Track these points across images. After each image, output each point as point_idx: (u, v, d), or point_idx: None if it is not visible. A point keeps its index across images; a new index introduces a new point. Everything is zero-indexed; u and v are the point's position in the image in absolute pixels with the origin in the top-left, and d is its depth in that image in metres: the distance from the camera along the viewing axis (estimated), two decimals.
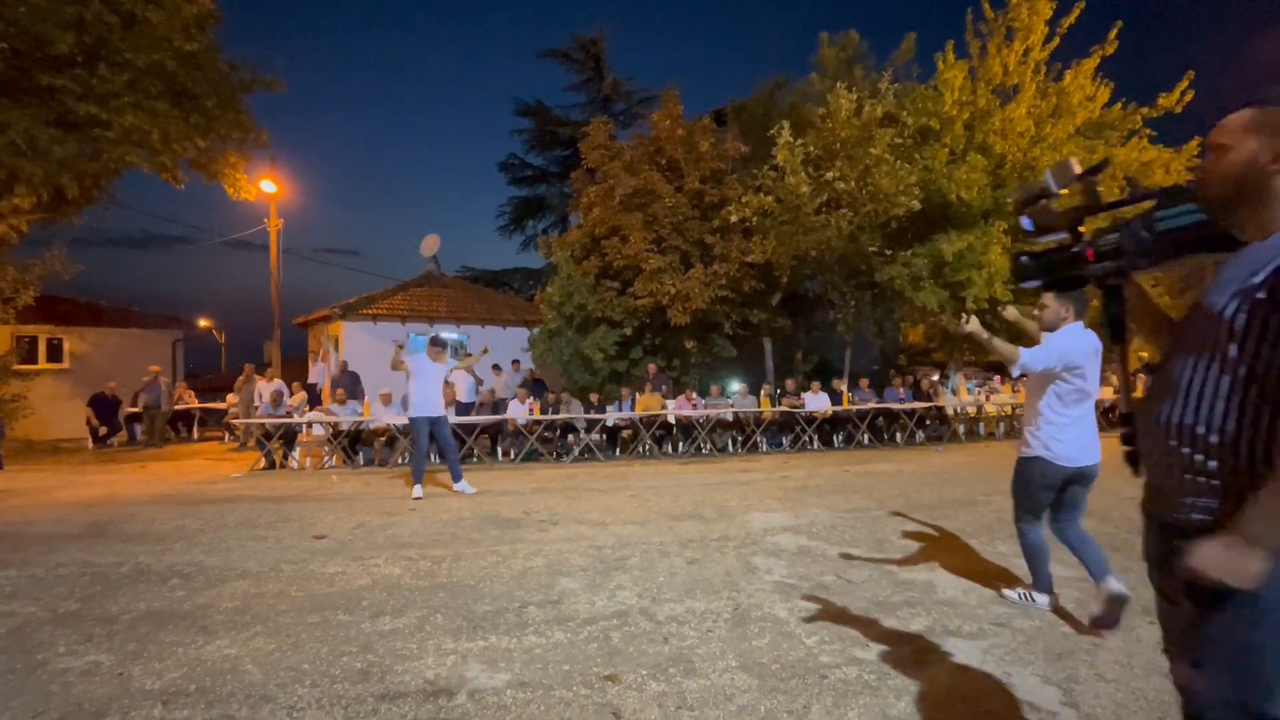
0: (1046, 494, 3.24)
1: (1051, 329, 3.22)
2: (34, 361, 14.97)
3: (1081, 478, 3.15)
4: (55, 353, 15.47)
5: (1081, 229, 1.55)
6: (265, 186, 15.06)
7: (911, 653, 2.76)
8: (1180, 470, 1.29)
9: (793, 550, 4.41)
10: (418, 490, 6.59)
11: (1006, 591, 3.52)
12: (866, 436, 11.05)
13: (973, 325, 3.30)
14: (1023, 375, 3.20)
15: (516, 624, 3.14)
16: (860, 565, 4.04)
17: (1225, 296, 1.26)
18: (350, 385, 10.60)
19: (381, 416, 9.59)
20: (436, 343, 7.13)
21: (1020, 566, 3.97)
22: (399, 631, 3.06)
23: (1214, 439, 1.23)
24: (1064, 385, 3.12)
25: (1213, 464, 1.23)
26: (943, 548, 4.41)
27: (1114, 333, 1.53)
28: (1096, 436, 3.16)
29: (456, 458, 7.06)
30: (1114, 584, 2.97)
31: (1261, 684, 1.19)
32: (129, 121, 8.76)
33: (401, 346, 6.95)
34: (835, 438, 11.11)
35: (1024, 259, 1.63)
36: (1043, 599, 3.35)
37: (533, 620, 3.19)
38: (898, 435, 11.33)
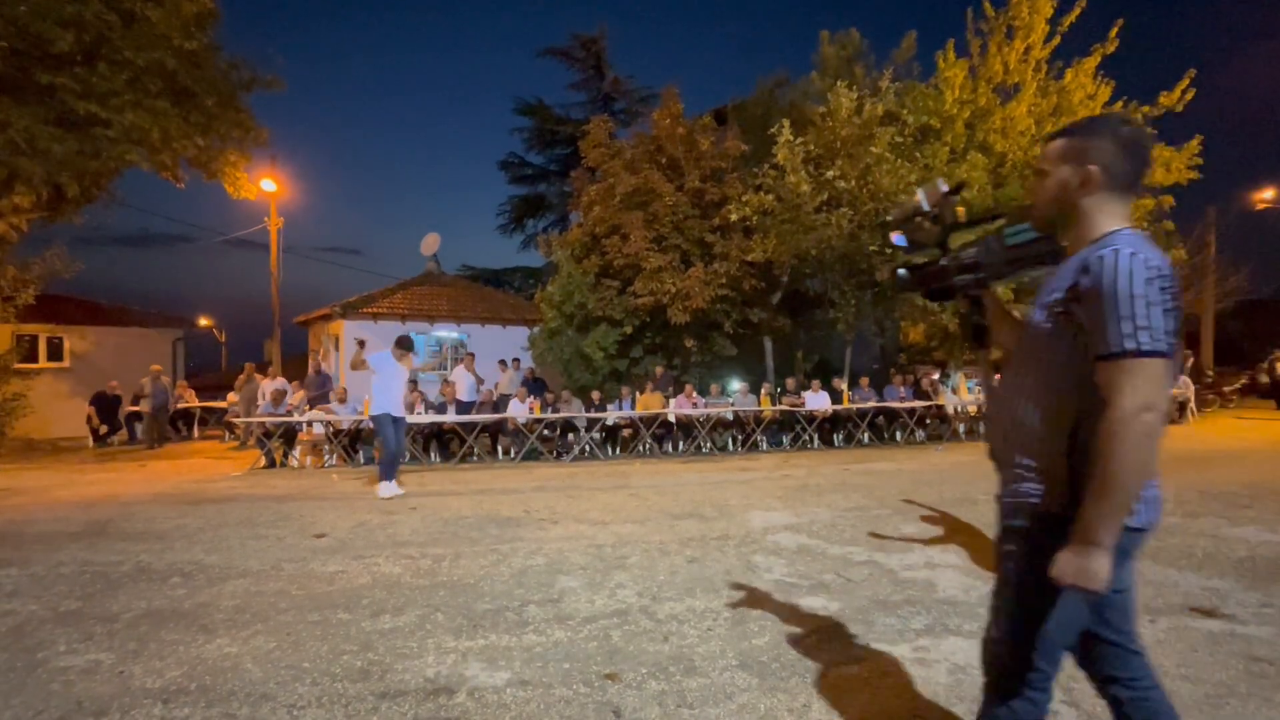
0: None
1: None
2: (34, 360, 14.98)
3: None
4: (56, 352, 15.48)
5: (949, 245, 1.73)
6: (265, 185, 15.07)
7: (911, 651, 2.76)
8: (1009, 461, 1.47)
9: (793, 549, 4.41)
10: (387, 488, 6.48)
11: None
12: (867, 435, 11.05)
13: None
14: None
15: (517, 622, 3.15)
16: (860, 564, 4.04)
17: (1039, 309, 1.44)
18: (319, 387, 10.59)
19: None
20: (402, 344, 6.95)
21: None
22: (399, 630, 3.06)
23: (1032, 435, 1.42)
24: None
25: (1029, 459, 1.42)
26: (943, 546, 4.41)
27: (976, 338, 1.70)
28: None
29: (398, 464, 6.85)
30: None
31: (1026, 634, 1.43)
32: (129, 120, 8.76)
33: (363, 345, 6.80)
34: (835, 437, 11.10)
35: (902, 272, 1.78)
36: None
37: (533, 619, 3.19)
38: (898, 434, 11.33)
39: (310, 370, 11.47)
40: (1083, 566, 1.27)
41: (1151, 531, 1.41)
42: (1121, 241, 1.33)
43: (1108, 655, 1.50)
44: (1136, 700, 1.49)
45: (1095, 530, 1.26)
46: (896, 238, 1.80)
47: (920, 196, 1.74)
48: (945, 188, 1.75)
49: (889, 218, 1.83)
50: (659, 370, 11.72)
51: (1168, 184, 13.67)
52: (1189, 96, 12.88)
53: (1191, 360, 16.95)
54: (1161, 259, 1.30)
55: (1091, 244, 1.38)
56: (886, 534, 4.77)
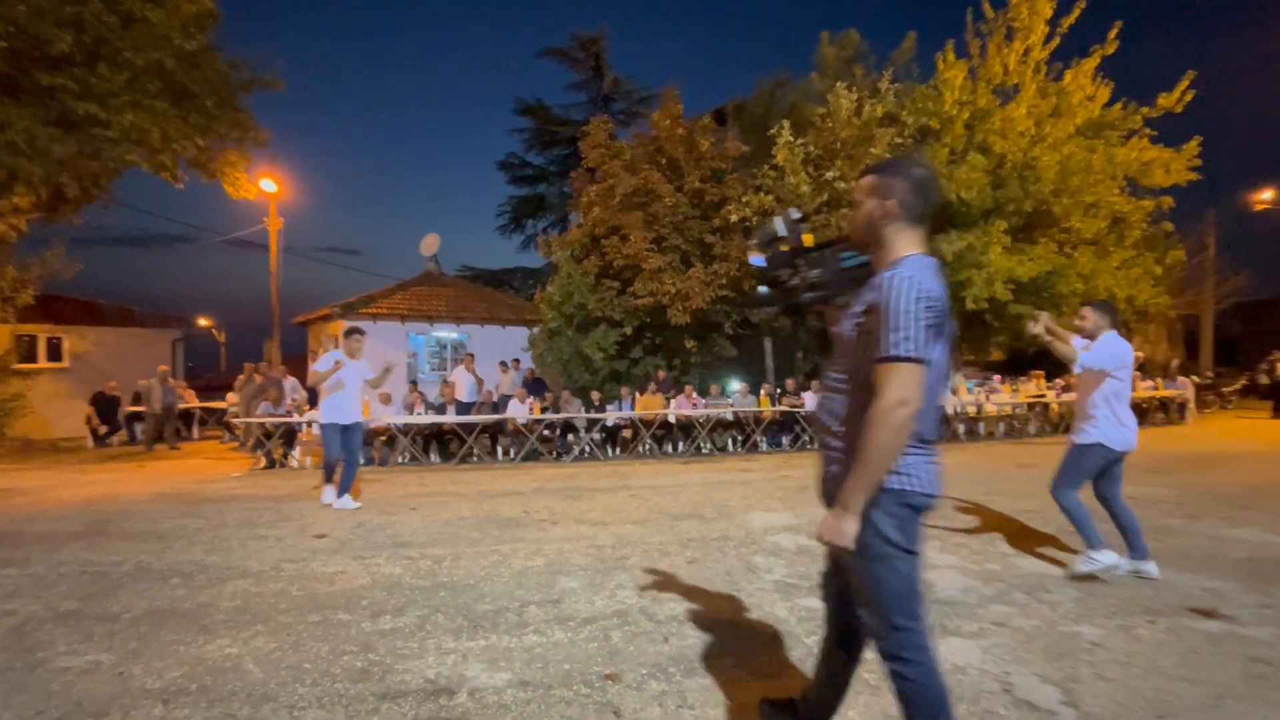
0: (1093, 472, 3.80)
1: (1093, 337, 3.76)
2: (34, 360, 14.98)
3: (1125, 456, 3.79)
4: (55, 352, 15.47)
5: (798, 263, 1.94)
6: (265, 185, 15.06)
7: None
8: (823, 447, 1.79)
9: (793, 550, 4.41)
10: (327, 494, 6.16)
11: (1074, 568, 3.78)
12: None
13: (1041, 327, 3.74)
14: (1077, 373, 3.77)
15: (517, 623, 3.15)
16: None
17: (848, 320, 1.72)
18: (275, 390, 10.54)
19: (381, 416, 9.59)
20: (353, 334, 6.22)
21: (1021, 565, 3.98)
22: (399, 631, 3.06)
23: (838, 426, 1.71)
24: (1116, 383, 3.70)
25: (837, 444, 1.71)
26: (942, 547, 4.41)
27: (821, 347, 1.87)
28: (1135, 424, 3.80)
29: (355, 473, 6.24)
30: (1108, 556, 3.65)
31: (880, 600, 1.65)
32: (128, 120, 8.75)
33: (316, 357, 6.32)
34: None
35: (762, 289, 2.00)
36: (1108, 555, 3.67)
37: (533, 619, 3.19)
38: None
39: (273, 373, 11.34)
40: (837, 527, 1.58)
41: (935, 499, 1.67)
42: (905, 267, 1.61)
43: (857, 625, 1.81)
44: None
45: (848, 498, 1.57)
46: (755, 259, 2.01)
47: (777, 223, 1.96)
48: (796, 215, 2.00)
49: (751, 241, 2.02)
50: (661, 374, 11.72)
51: (1167, 185, 13.69)
52: (1188, 98, 12.90)
53: (1177, 363, 16.98)
54: (933, 284, 1.58)
55: (888, 266, 1.65)
56: None
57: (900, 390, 1.52)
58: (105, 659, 2.79)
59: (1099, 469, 3.77)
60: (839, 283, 1.87)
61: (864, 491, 1.56)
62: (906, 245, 1.69)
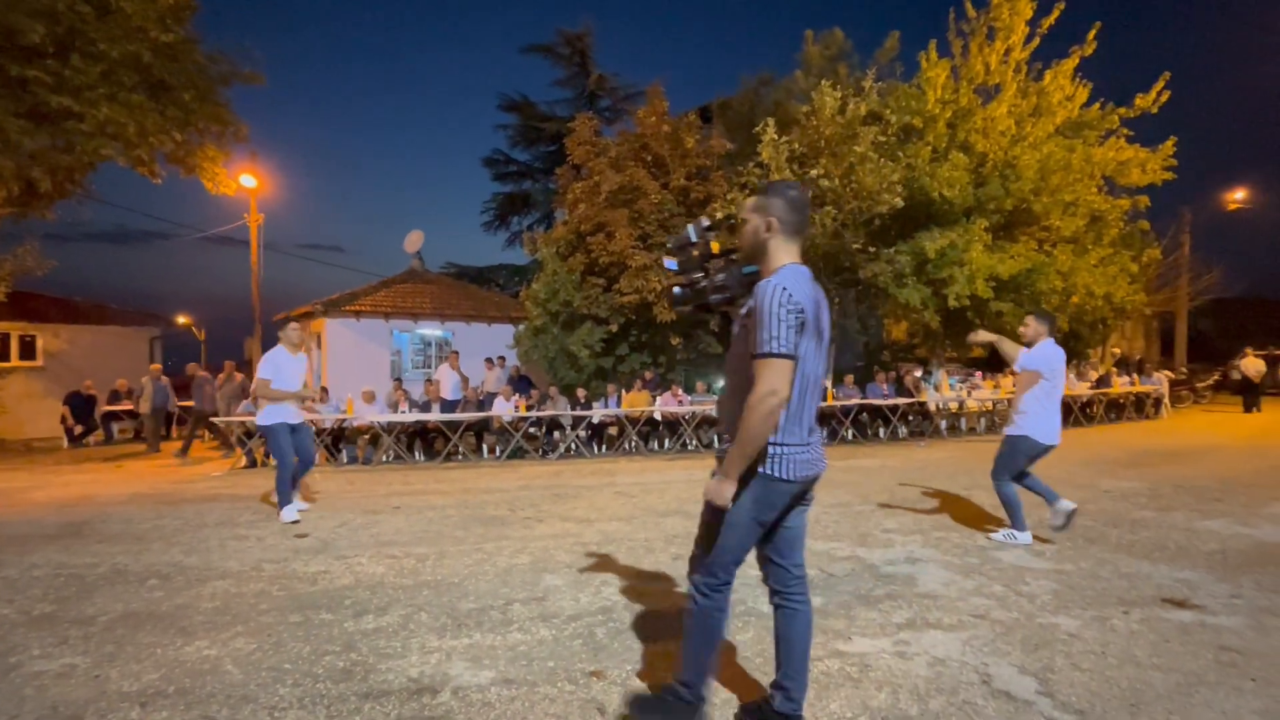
0: (1026, 461, 4.39)
1: (1033, 344, 4.34)
2: (6, 359, 14.66)
3: (1050, 450, 4.38)
4: (28, 350, 15.14)
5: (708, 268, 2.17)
6: (245, 181, 14.83)
7: (893, 645, 2.80)
8: (722, 427, 2.10)
9: None
10: (289, 512, 5.40)
11: (993, 534, 4.51)
12: (850, 432, 11.15)
13: (981, 336, 4.62)
14: (1016, 371, 4.43)
15: (501, 621, 3.14)
16: (843, 559, 4.08)
17: (737, 321, 1.99)
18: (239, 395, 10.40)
19: (364, 415, 9.50)
20: (291, 324, 5.71)
21: (1000, 558, 4.05)
22: (382, 630, 3.04)
23: (729, 408, 1.98)
24: (1047, 384, 4.26)
25: (727, 426, 2.01)
26: (924, 541, 4.47)
27: (723, 343, 2.04)
28: (1059, 422, 4.38)
29: (302, 478, 5.76)
30: (1065, 503, 4.28)
31: (715, 548, 2.01)
32: (103, 114, 8.58)
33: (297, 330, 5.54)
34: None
35: (677, 290, 2.20)
36: (1025, 536, 4.37)
37: (518, 617, 3.19)
38: (881, 431, 11.45)
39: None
40: (717, 489, 1.90)
41: (809, 481, 2.00)
42: (779, 276, 1.87)
43: (777, 574, 2.15)
44: (789, 610, 2.14)
45: (728, 469, 1.89)
46: (668, 263, 2.21)
47: (690, 230, 2.16)
48: (706, 224, 2.21)
49: (668, 245, 2.29)
50: (648, 374, 11.71)
51: (1143, 185, 13.95)
52: (1164, 98, 13.15)
53: (1139, 357, 17.32)
54: (801, 291, 1.84)
55: (769, 275, 1.92)
56: (869, 529, 4.82)
57: (770, 382, 1.80)
58: (81, 662, 2.74)
59: (1030, 458, 4.38)
60: (740, 287, 2.10)
61: (740, 463, 1.87)
62: (784, 256, 1.97)
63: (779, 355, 1.80)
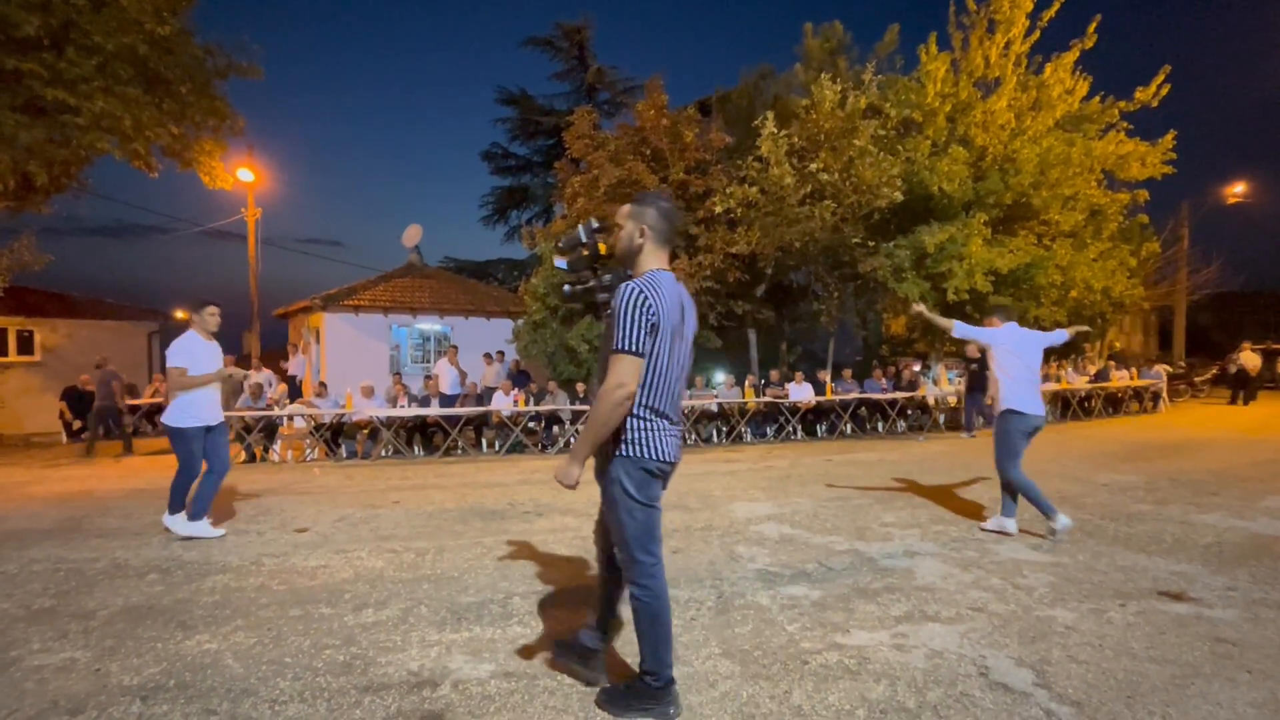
0: (1024, 440, 4.44)
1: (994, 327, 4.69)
2: (4, 354, 14.62)
3: (1039, 427, 4.46)
4: (26, 345, 15.11)
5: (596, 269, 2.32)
6: (242, 175, 14.78)
7: (891, 638, 2.81)
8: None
9: (775, 539, 4.45)
10: (198, 526, 4.63)
11: (1056, 526, 4.24)
12: (849, 426, 11.18)
13: (919, 306, 5.09)
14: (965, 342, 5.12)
15: (501, 615, 3.15)
16: (842, 553, 4.10)
17: (605, 318, 2.13)
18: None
19: (363, 409, 9.50)
20: (208, 306, 4.74)
21: (997, 551, 4.07)
22: (382, 624, 3.05)
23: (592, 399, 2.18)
24: (1015, 358, 4.48)
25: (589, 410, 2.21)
26: (923, 535, 4.48)
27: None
28: (1039, 397, 4.52)
29: (218, 486, 4.80)
30: (1063, 520, 4.25)
31: (624, 541, 2.14)
32: (99, 107, 8.52)
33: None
34: (819, 428, 11.22)
35: (566, 288, 2.33)
36: (1063, 521, 4.23)
37: (517, 611, 3.20)
38: (880, 425, 11.47)
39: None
40: (565, 469, 2.04)
41: (669, 463, 2.16)
42: (640, 280, 2.03)
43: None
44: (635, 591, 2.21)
45: (576, 451, 2.07)
46: (559, 261, 2.36)
47: (580, 231, 2.27)
48: (595, 225, 2.35)
49: (558, 244, 2.38)
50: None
51: (1143, 179, 13.93)
52: (1164, 92, 13.11)
53: (1120, 346, 17.34)
54: (657, 295, 2.00)
55: (638, 278, 2.06)
56: (868, 524, 4.84)
57: (618, 375, 1.98)
58: (81, 656, 2.75)
59: (1026, 435, 4.43)
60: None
61: (587, 447, 2.06)
62: (653, 262, 2.14)
63: (629, 353, 1.97)
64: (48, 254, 12.50)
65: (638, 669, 2.23)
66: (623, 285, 2.02)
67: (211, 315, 4.75)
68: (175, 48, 9.41)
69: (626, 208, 2.18)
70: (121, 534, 4.86)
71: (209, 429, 4.69)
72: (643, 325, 1.97)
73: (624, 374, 1.97)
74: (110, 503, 6.09)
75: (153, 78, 9.30)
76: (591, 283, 2.34)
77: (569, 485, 2.05)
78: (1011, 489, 4.44)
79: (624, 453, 2.09)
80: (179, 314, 27.32)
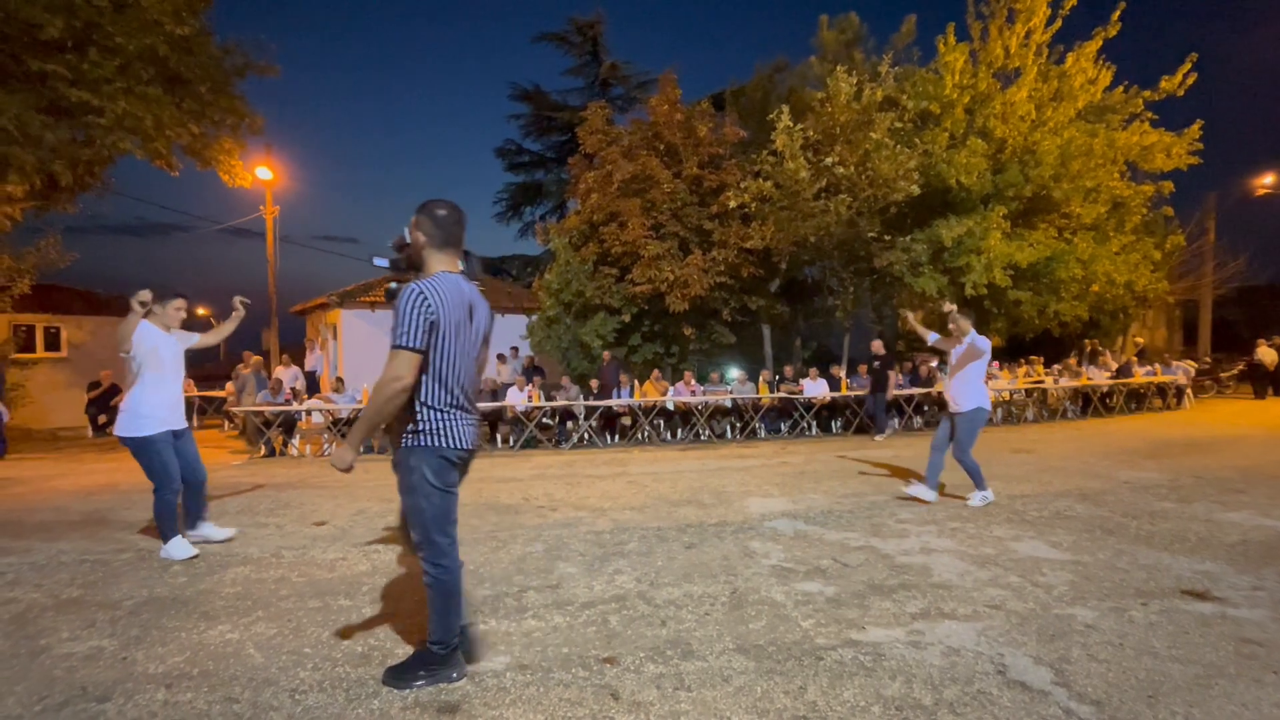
0: (980, 430, 5.27)
1: (964, 333, 5.18)
2: (32, 350, 14.96)
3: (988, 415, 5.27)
4: (53, 341, 15.46)
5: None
6: (260, 173, 14.96)
7: (907, 635, 2.79)
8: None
9: (790, 535, 4.44)
10: (178, 547, 4.04)
11: (969, 501, 5.22)
12: (865, 423, 11.09)
13: (908, 316, 6.02)
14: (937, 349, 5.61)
15: (516, 608, 3.17)
16: (856, 549, 4.07)
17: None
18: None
19: None
20: (168, 298, 4.11)
21: (1015, 548, 4.02)
22: (399, 615, 3.08)
23: None
24: (982, 362, 5.19)
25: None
26: (939, 532, 4.44)
27: None
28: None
29: (206, 490, 4.44)
30: (922, 489, 5.36)
31: (422, 525, 2.29)
32: (121, 107, 8.68)
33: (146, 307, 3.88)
34: (833, 424, 11.14)
35: (391, 285, 2.42)
36: (990, 494, 5.25)
37: (532, 604, 3.22)
38: (896, 421, 11.36)
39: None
40: (341, 455, 2.20)
41: (467, 451, 2.33)
42: (423, 281, 2.19)
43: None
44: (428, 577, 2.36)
45: (352, 438, 2.23)
46: (379, 260, 2.50)
47: (405, 231, 2.40)
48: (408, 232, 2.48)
49: (389, 243, 2.49)
50: (606, 355, 11.47)
51: (1168, 170, 13.63)
52: (1190, 81, 12.81)
53: (1141, 342, 16.99)
54: (436, 294, 2.16)
55: (424, 279, 2.22)
56: (883, 520, 4.80)
57: (394, 369, 2.12)
58: (108, 645, 2.81)
59: (984, 426, 5.27)
60: None
61: (362, 434, 2.26)
62: (437, 265, 2.32)
63: (406, 348, 2.12)
64: (73, 252, 12.78)
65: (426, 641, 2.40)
66: (406, 286, 2.18)
67: (177, 310, 4.16)
68: (195, 48, 9.55)
69: (414, 218, 2.35)
70: (146, 526, 4.96)
71: (177, 434, 4.14)
72: (420, 323, 2.13)
73: (400, 368, 2.12)
74: (134, 496, 6.21)
75: (173, 78, 9.45)
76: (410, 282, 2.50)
77: (344, 469, 2.20)
78: (965, 469, 5.24)
79: (422, 443, 2.23)
80: (200, 311, 27.73)
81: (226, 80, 10.21)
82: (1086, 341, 14.34)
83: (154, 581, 3.65)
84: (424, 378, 2.22)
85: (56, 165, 8.99)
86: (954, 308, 5.37)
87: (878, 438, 9.98)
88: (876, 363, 10.35)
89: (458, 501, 2.37)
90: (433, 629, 2.37)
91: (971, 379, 5.16)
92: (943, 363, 13.99)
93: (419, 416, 2.23)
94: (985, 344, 5.11)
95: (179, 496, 4.16)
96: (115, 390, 13.05)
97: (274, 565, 3.93)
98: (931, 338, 5.54)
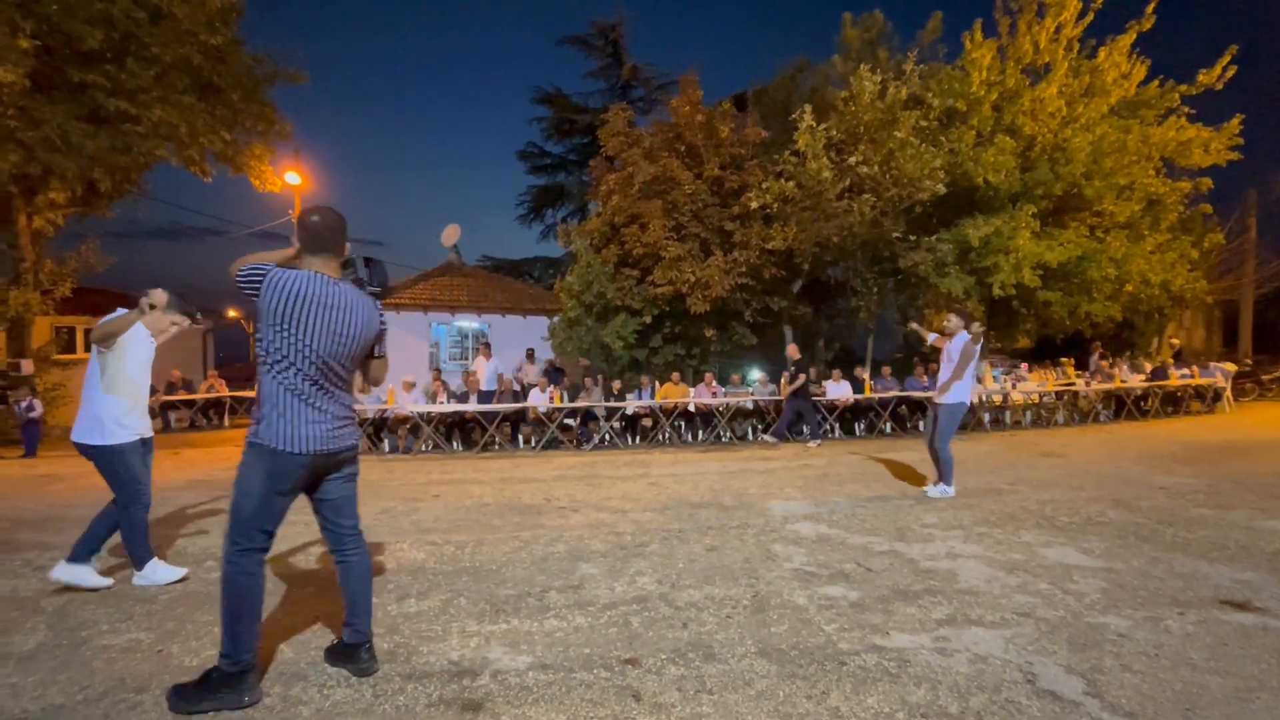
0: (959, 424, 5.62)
1: (953, 335, 5.58)
2: (72, 351, 15.47)
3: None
4: None
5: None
6: (290, 178, 15.27)
7: (932, 641, 2.75)
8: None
9: (812, 538, 4.40)
10: (159, 570, 3.64)
11: (930, 490, 5.63)
12: (889, 425, 10.94)
13: (913, 325, 6.59)
14: (935, 348, 6.04)
15: (538, 608, 3.19)
16: (881, 553, 4.02)
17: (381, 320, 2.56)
18: None
19: (403, 404, 9.73)
20: (180, 310, 3.78)
21: (1045, 555, 3.94)
22: (424, 614, 3.13)
23: None
24: (970, 362, 5.48)
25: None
26: (965, 537, 4.36)
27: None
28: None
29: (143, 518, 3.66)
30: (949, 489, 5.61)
31: (235, 520, 2.25)
32: (157, 115, 8.96)
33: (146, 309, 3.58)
34: (857, 426, 11.02)
35: (373, 289, 2.54)
36: (951, 490, 5.58)
37: (554, 604, 3.24)
38: (921, 424, 11.19)
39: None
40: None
41: (323, 455, 2.36)
42: (287, 270, 2.24)
43: (332, 536, 2.55)
44: (345, 564, 2.52)
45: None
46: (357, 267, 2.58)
47: (355, 259, 2.52)
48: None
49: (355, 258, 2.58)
50: (583, 362, 11.50)
51: (1206, 166, 13.23)
52: (1230, 74, 12.43)
53: (1177, 343, 16.43)
54: (281, 277, 2.20)
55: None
56: (908, 524, 4.74)
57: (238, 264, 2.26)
58: (145, 637, 2.90)
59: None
60: (385, 290, 2.61)
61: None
62: (311, 266, 2.35)
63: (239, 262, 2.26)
64: (111, 256, 13.19)
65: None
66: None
67: (174, 324, 3.82)
68: (227, 56, 9.82)
69: (297, 222, 2.44)
70: (181, 523, 5.10)
71: (145, 441, 3.72)
72: (254, 276, 2.21)
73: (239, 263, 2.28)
74: (169, 494, 6.38)
75: (206, 86, 9.72)
76: (372, 288, 2.58)
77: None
78: (939, 459, 5.59)
79: (265, 443, 2.22)
80: (231, 313, 28.44)
81: (257, 87, 10.49)
82: (1093, 345, 13.86)
83: (189, 576, 3.75)
84: (263, 365, 2.27)
85: (96, 172, 9.32)
86: (914, 325, 6.12)
87: (813, 444, 9.45)
88: (794, 367, 9.71)
89: (288, 504, 2.34)
90: (222, 640, 2.25)
91: (960, 373, 5.49)
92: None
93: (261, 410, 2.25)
94: (963, 339, 5.53)
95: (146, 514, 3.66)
96: (154, 390, 13.44)
97: (301, 562, 4.02)
98: (931, 338, 6.01)
